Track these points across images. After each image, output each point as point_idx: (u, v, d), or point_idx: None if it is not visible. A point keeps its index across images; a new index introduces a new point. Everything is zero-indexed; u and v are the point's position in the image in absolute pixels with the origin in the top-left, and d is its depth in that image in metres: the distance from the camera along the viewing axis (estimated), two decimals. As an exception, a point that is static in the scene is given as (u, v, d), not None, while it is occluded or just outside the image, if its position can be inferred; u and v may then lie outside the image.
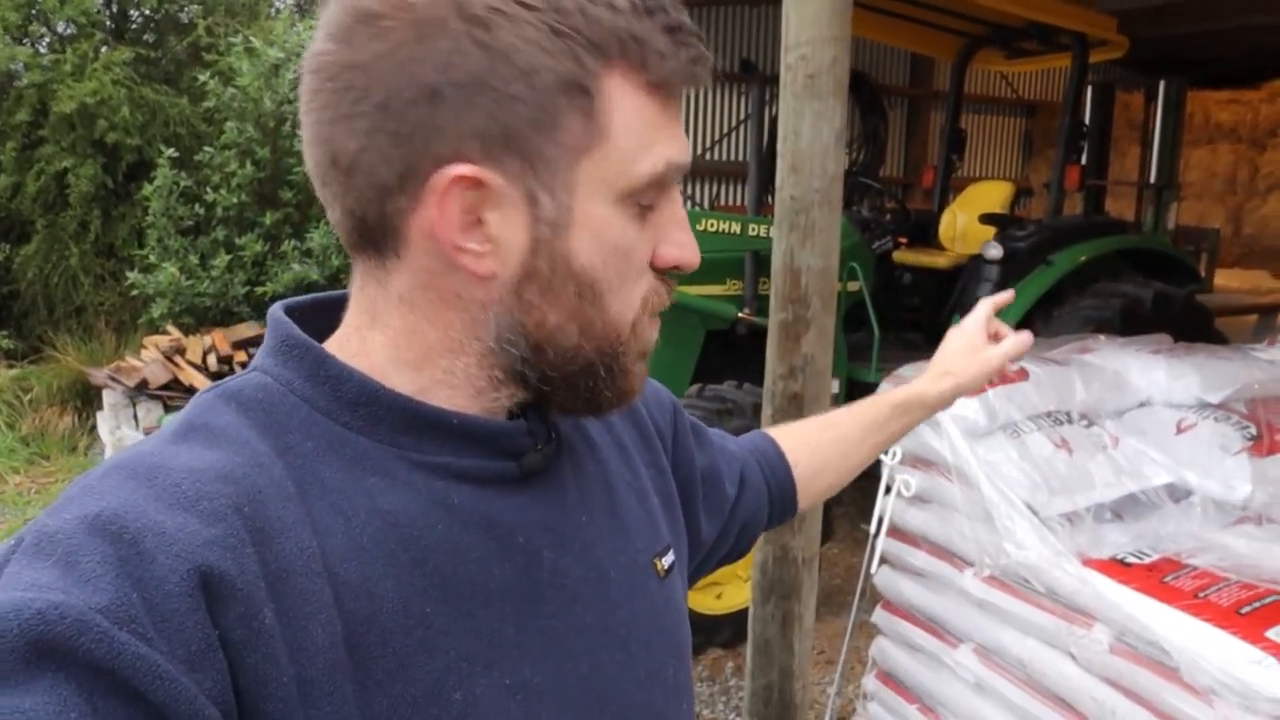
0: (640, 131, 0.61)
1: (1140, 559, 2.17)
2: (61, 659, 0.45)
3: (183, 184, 6.96)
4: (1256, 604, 1.95)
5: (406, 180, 0.59)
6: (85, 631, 0.46)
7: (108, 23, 9.02)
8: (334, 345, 0.66)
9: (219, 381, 0.65)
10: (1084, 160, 5.14)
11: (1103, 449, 2.46)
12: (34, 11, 8.55)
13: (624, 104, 0.60)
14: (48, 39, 8.86)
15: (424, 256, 0.62)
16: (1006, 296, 1.26)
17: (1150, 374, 2.71)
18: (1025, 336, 1.21)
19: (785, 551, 2.57)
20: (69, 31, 8.76)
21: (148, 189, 7.10)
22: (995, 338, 1.22)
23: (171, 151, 7.03)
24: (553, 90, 0.58)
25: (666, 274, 0.68)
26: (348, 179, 0.60)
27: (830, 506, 3.92)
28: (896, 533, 2.65)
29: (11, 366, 7.60)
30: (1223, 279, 8.57)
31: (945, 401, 1.17)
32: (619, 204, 0.62)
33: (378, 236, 0.62)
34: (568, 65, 0.58)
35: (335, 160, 0.60)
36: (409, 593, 0.59)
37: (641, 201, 0.63)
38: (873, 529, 2.59)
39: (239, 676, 0.51)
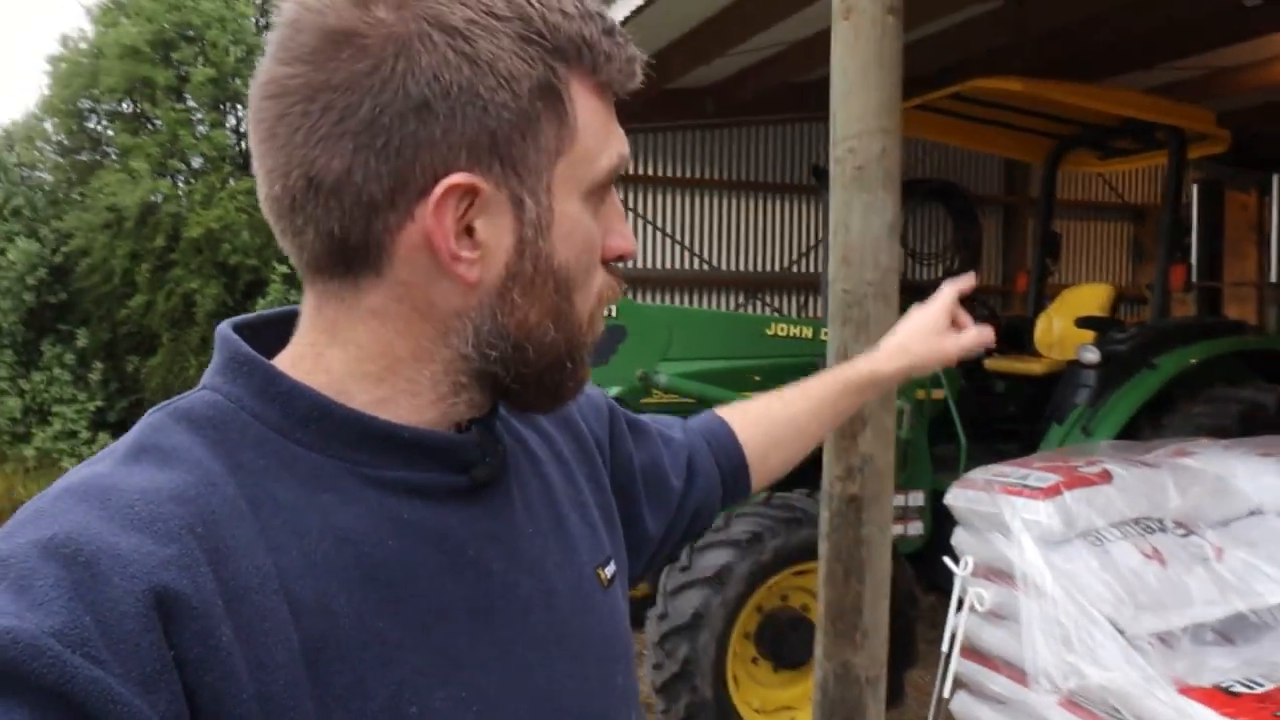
0: (597, 130, 0.65)
1: (1250, 688, 1.91)
2: (14, 685, 0.46)
3: (293, 299, 7.43)
4: (1389, 743, 1.66)
5: (397, 195, 0.60)
6: (38, 656, 0.46)
7: (238, 156, 9.95)
8: (285, 363, 0.66)
9: (168, 400, 0.64)
10: (1192, 260, 4.88)
11: (1203, 561, 2.20)
12: (173, 148, 9.53)
13: (584, 105, 0.64)
14: (184, 173, 9.85)
15: (408, 270, 0.62)
16: (967, 280, 1.27)
17: (1259, 478, 2.45)
18: (986, 331, 1.21)
19: (847, 669, 2.37)
20: (203, 166, 9.74)
21: (261, 304, 7.63)
22: (957, 325, 1.22)
23: (284, 268, 7.55)
24: (533, 96, 0.61)
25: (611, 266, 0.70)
26: (330, 201, 0.60)
27: (919, 628, 3.63)
28: (972, 653, 2.41)
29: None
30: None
31: (898, 379, 1.20)
32: (585, 200, 0.65)
33: (358, 255, 0.62)
34: (542, 71, 0.61)
35: (316, 183, 0.60)
36: (363, 609, 0.59)
37: (599, 196, 0.66)
38: (944, 648, 2.37)
39: (196, 696, 0.51)
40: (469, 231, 0.61)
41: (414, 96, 0.58)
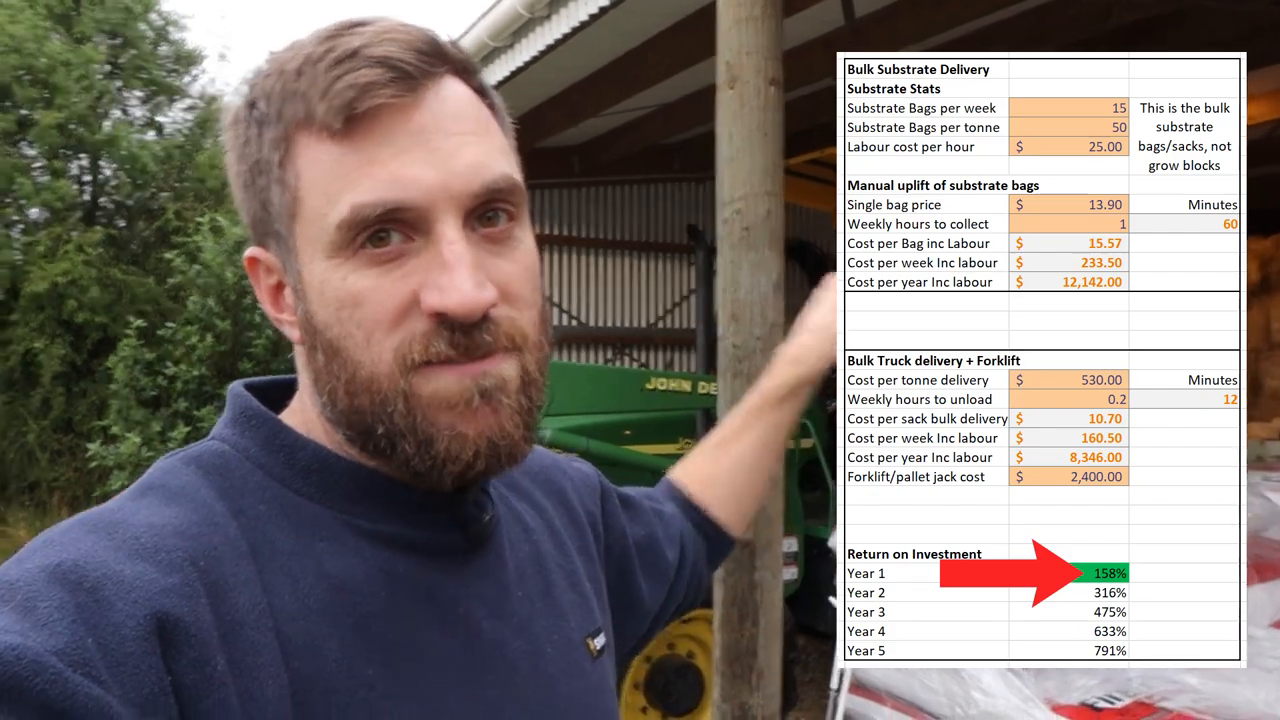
0: (326, 184, 0.60)
1: (1111, 703, 2.12)
2: (16, 699, 0.47)
3: (147, 357, 7.10)
4: (1234, 745, 1.88)
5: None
6: (40, 672, 0.47)
7: (81, 209, 9.41)
8: (290, 417, 0.69)
9: (181, 448, 0.67)
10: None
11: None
12: (9, 199, 8.93)
13: (309, 162, 0.61)
14: (22, 224, 9.23)
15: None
16: None
17: None
18: None
19: (744, 710, 2.46)
20: (43, 217, 9.14)
21: (113, 359, 7.22)
22: None
23: (139, 322, 7.19)
24: (265, 172, 0.63)
25: (486, 326, 0.62)
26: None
27: (795, 670, 3.77)
28: (860, 689, 2.55)
29: (-41, 543, 7.47)
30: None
31: (826, 368, 1.08)
32: (332, 258, 0.61)
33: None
34: (266, 149, 0.62)
35: None
36: (353, 655, 0.60)
37: (363, 248, 0.60)
38: (833, 684, 2.49)
39: None
40: (282, 295, 0.66)
41: (229, 185, 0.67)
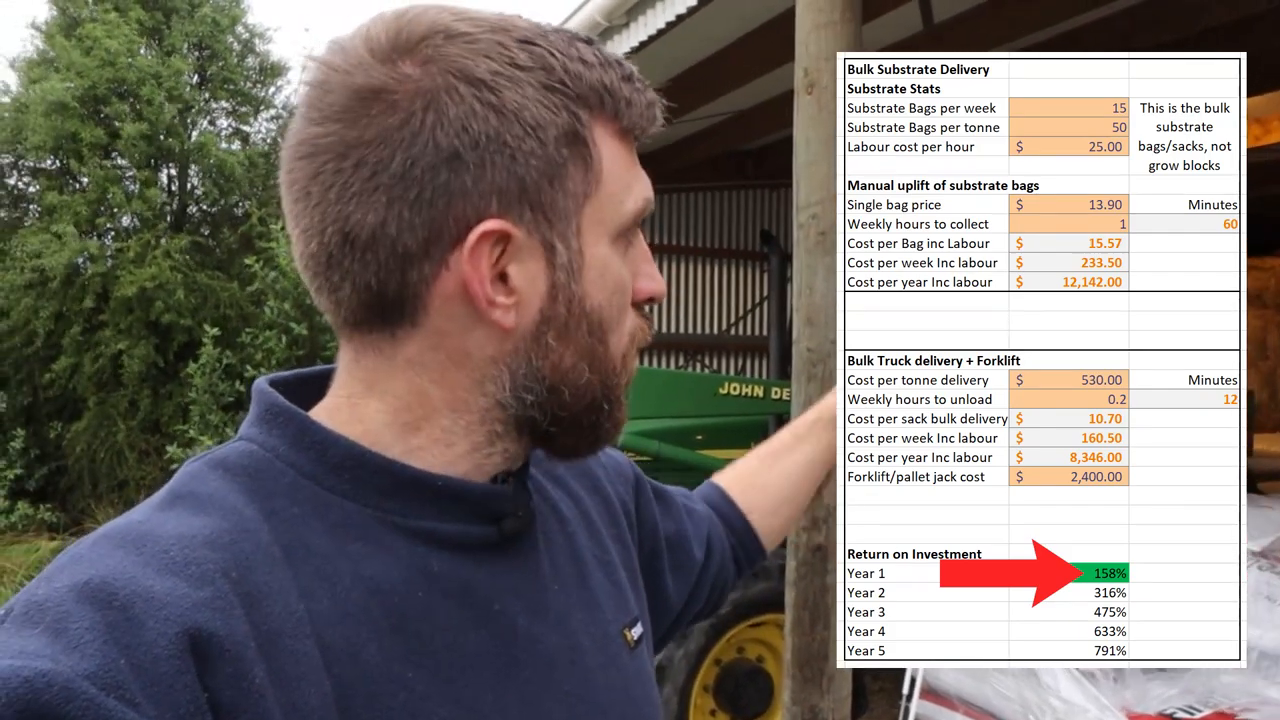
0: (620, 174, 0.66)
1: (1191, 714, 2.05)
2: None
3: (226, 361, 7.37)
4: (1322, 762, 1.81)
5: (431, 245, 0.61)
6: (72, 699, 0.46)
7: (169, 217, 9.81)
8: (322, 414, 0.66)
9: (206, 451, 0.66)
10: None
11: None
12: (102, 207, 9.35)
13: (607, 150, 0.65)
14: (114, 232, 9.68)
15: (443, 319, 0.63)
16: None
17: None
18: None
19: (815, 714, 2.45)
20: (133, 224, 9.57)
21: (192, 366, 7.54)
22: None
23: (215, 330, 7.46)
24: (558, 142, 0.62)
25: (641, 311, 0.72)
26: (365, 254, 0.61)
27: (865, 678, 3.73)
28: (932, 695, 2.52)
29: (54, 538, 7.98)
30: (1263, 444, 8.30)
31: None
32: (614, 243, 0.66)
33: (395, 307, 0.63)
34: (566, 118, 0.62)
35: (351, 238, 0.60)
36: (391, 657, 0.60)
37: (627, 239, 0.68)
38: (904, 690, 2.47)
39: None
40: (503, 278, 0.62)
41: (444, 148, 0.59)
